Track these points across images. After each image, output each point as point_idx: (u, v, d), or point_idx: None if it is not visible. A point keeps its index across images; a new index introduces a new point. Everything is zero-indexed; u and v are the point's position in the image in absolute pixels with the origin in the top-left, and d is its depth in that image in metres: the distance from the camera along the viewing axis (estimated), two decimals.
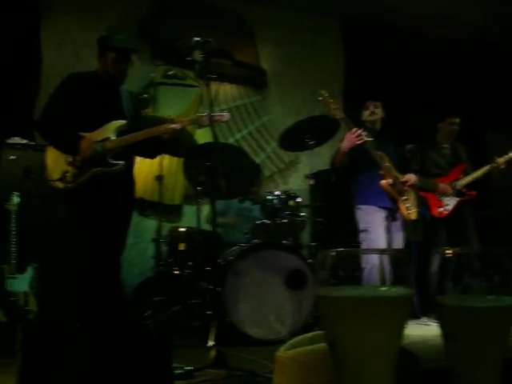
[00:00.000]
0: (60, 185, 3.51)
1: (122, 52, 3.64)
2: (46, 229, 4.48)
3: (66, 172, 3.51)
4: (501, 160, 5.10)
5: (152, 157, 4.19)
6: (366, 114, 4.81)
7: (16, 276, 4.15)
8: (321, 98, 4.49)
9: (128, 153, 3.73)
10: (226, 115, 3.90)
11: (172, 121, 3.68)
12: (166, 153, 4.33)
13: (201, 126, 3.85)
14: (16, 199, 4.29)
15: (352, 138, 4.40)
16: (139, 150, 3.82)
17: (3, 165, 4.63)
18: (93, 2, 5.81)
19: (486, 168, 5.14)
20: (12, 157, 4.63)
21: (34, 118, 5.31)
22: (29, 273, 4.20)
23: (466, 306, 0.68)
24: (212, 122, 3.41)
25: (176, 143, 3.84)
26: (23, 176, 4.54)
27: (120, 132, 3.62)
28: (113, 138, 3.58)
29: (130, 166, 3.76)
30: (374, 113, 4.79)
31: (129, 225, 3.80)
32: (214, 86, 3.58)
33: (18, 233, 4.21)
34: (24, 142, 4.80)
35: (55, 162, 3.57)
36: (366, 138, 4.47)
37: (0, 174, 4.63)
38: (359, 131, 4.40)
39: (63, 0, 5.74)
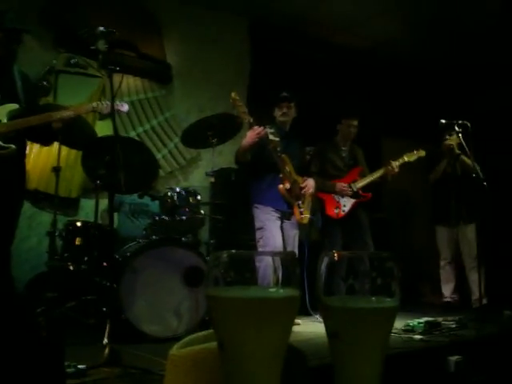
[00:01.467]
0: None
1: (11, 32, 3.49)
2: None
3: None
4: (395, 164, 5.35)
5: (45, 144, 4.06)
6: (278, 114, 4.87)
7: None
8: (231, 101, 4.52)
9: (20, 138, 3.59)
10: (125, 105, 3.85)
11: (66, 108, 3.58)
12: (62, 143, 4.19)
13: (100, 116, 3.78)
14: None
15: (252, 135, 4.45)
16: (32, 136, 3.69)
17: None
18: None
19: (381, 171, 5.37)
20: None
21: None
22: None
23: (349, 307, 0.72)
24: (112, 112, 3.35)
25: (71, 132, 3.74)
26: None
27: (13, 116, 3.48)
28: (4, 120, 3.44)
29: (21, 152, 3.62)
30: (286, 114, 4.85)
31: (18, 213, 3.65)
32: (117, 77, 3.49)
33: None
34: None
35: None
36: (274, 137, 4.54)
37: None
38: (260, 129, 4.45)
39: None
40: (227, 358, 0.66)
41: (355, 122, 5.45)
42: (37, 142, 4.02)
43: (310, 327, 4.22)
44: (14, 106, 3.52)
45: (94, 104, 3.77)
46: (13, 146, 3.50)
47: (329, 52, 7.42)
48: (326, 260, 0.76)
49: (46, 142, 3.98)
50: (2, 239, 3.51)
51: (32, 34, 3.98)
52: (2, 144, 3.44)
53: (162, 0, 6.36)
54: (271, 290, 0.67)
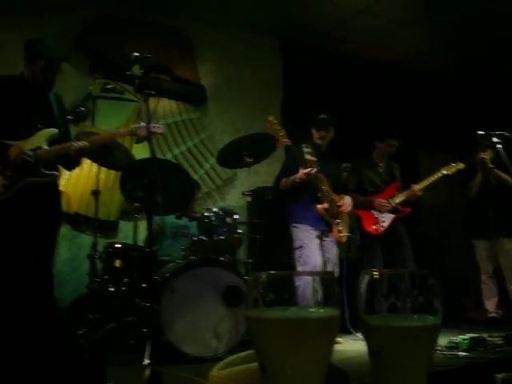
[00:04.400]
0: None
1: (51, 61, 3.53)
2: None
3: None
4: (417, 187, 5.28)
5: (68, 169, 4.10)
6: (315, 136, 4.86)
7: None
8: (268, 124, 4.54)
9: (55, 163, 3.66)
10: (161, 127, 3.90)
11: (86, 139, 3.61)
12: (101, 165, 4.26)
13: (137, 139, 3.82)
14: None
15: (303, 174, 4.46)
16: (65, 162, 3.76)
17: None
18: (31, 12, 5.68)
19: (404, 195, 5.30)
20: None
21: None
22: None
23: (391, 326, 0.71)
24: (148, 135, 3.39)
25: (110, 155, 3.79)
26: None
27: (52, 141, 3.53)
28: (45, 146, 3.49)
29: (56, 176, 3.69)
30: (324, 138, 4.84)
31: (56, 237, 3.70)
32: (152, 101, 3.55)
33: None
34: None
35: None
36: (310, 157, 4.53)
37: None
38: (313, 170, 4.45)
39: (1, 10, 5.59)
40: (269, 380, 0.66)
41: (396, 143, 5.42)
42: (62, 166, 4.08)
43: (351, 345, 4.16)
44: (53, 130, 3.57)
45: (136, 126, 3.79)
46: (56, 173, 3.58)
47: (361, 68, 7.40)
48: (366, 278, 0.75)
49: (70, 167, 4.02)
50: (46, 262, 3.57)
51: (69, 61, 4.05)
52: (45, 171, 3.51)
53: (194, 22, 6.45)
54: (311, 310, 0.67)
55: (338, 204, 4.66)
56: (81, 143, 3.55)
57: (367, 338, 0.74)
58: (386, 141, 5.41)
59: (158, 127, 3.88)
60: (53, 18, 5.76)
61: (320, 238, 4.64)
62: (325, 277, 0.69)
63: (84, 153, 3.67)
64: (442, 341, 3.95)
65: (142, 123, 3.70)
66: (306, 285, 0.71)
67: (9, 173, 3.38)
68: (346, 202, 4.72)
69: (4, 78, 3.61)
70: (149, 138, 3.40)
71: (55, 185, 3.66)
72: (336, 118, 4.92)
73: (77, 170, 5.12)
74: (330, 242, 4.68)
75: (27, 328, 3.30)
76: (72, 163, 3.80)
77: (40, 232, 3.50)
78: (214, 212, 4.45)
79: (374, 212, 5.23)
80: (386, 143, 5.41)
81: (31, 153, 3.41)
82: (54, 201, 3.70)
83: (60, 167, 3.80)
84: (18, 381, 2.19)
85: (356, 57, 7.25)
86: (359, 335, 4.57)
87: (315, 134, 4.84)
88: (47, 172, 3.50)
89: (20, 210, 3.41)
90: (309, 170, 4.44)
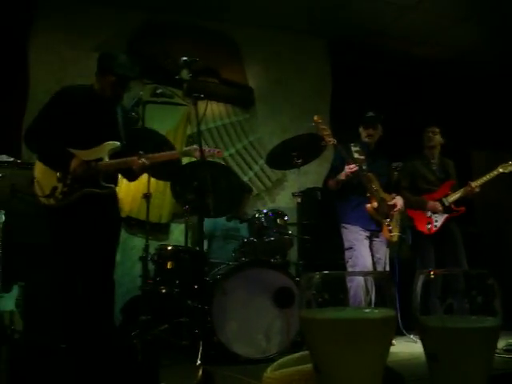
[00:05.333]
0: (49, 201, 3.45)
1: (121, 78, 3.57)
2: (32, 247, 4.45)
3: (56, 188, 3.45)
4: (474, 184, 5.14)
5: (130, 180, 4.18)
6: (363, 135, 4.81)
7: (2, 295, 4.11)
8: (313, 124, 4.51)
9: (119, 172, 3.73)
10: (221, 152, 3.92)
11: (146, 157, 3.66)
12: (152, 176, 4.33)
13: (187, 142, 3.84)
14: (2, 217, 4.26)
15: (348, 172, 4.43)
16: (124, 172, 3.83)
17: None
18: (81, 20, 5.83)
19: (461, 192, 5.17)
20: None
21: (22, 134, 5.32)
22: (15, 291, 4.16)
23: (448, 327, 0.69)
24: (199, 138, 3.42)
25: (159, 167, 3.84)
26: (10, 194, 4.51)
27: (114, 154, 3.59)
28: (106, 159, 3.54)
29: (115, 184, 3.76)
30: (372, 136, 4.79)
31: (117, 243, 3.77)
32: (201, 104, 3.58)
33: (3, 251, 4.17)
34: (11, 159, 4.77)
35: (44, 178, 3.50)
36: (359, 155, 4.49)
37: None
38: (355, 168, 4.41)
39: (52, 18, 5.75)
40: (324, 382, 0.65)
41: (435, 129, 5.30)
42: (124, 177, 4.16)
43: (405, 347, 4.10)
44: (116, 144, 3.61)
45: (194, 147, 3.81)
46: (113, 187, 3.66)
47: (410, 65, 7.29)
48: (421, 278, 0.74)
49: (132, 179, 4.10)
50: (110, 269, 3.65)
51: (138, 78, 4.10)
52: (104, 183, 3.57)
53: (240, 25, 6.47)
54: (366, 310, 0.66)
55: (390, 203, 4.60)
56: (142, 161, 3.60)
57: (423, 340, 0.72)
58: (426, 131, 5.31)
59: (218, 151, 3.93)
60: (104, 26, 5.90)
61: (370, 238, 4.58)
62: (379, 277, 0.68)
63: (145, 170, 3.73)
64: (500, 343, 3.85)
65: (206, 147, 3.77)
66: (358, 285, 0.70)
67: (68, 181, 3.45)
68: (398, 202, 4.65)
69: (74, 88, 3.69)
70: (199, 141, 3.42)
71: (114, 194, 3.73)
72: (383, 116, 4.85)
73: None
74: (379, 242, 4.62)
75: (89, 329, 3.38)
76: (133, 176, 3.86)
77: (98, 239, 3.56)
78: (264, 213, 4.47)
79: (426, 211, 5.14)
80: (426, 133, 5.31)
81: (93, 164, 3.48)
82: (113, 210, 3.77)
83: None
84: (72, 382, 2.24)
85: (404, 54, 7.13)
86: (412, 337, 4.51)
87: (363, 133, 4.79)
88: (106, 184, 3.56)
89: (79, 217, 3.47)
90: (352, 167, 4.40)
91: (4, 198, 4.49)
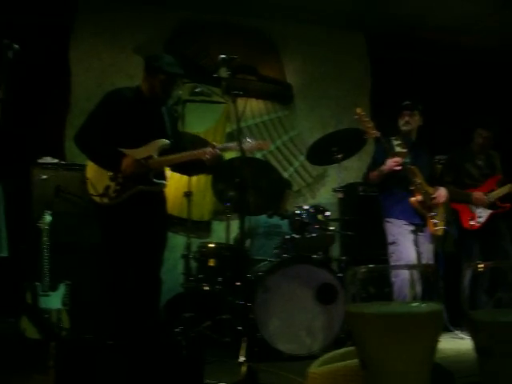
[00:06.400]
0: (103, 200, 3.53)
1: (171, 76, 3.65)
2: (77, 246, 4.54)
3: (108, 187, 3.53)
4: None
5: (190, 175, 4.23)
6: (400, 123, 4.71)
7: (49, 293, 4.21)
8: (356, 117, 4.45)
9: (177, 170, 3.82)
10: (268, 143, 3.91)
11: (214, 146, 3.69)
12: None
13: (227, 139, 3.84)
14: (48, 218, 4.36)
15: (392, 164, 4.36)
16: (180, 168, 3.87)
17: (35, 184, 4.71)
18: (119, 22, 5.91)
19: (508, 186, 5.03)
20: (43, 176, 4.70)
21: (65, 137, 5.43)
22: (61, 290, 4.25)
23: (500, 321, 0.67)
24: (238, 133, 3.44)
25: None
26: (55, 195, 4.61)
27: (163, 151, 3.65)
28: (156, 156, 3.60)
29: (165, 184, 3.82)
30: (408, 123, 4.67)
31: (166, 240, 3.82)
32: (240, 101, 3.59)
33: (50, 251, 4.27)
34: (55, 161, 4.88)
35: (96, 177, 3.58)
36: (401, 149, 4.41)
37: (32, 193, 4.71)
38: (399, 160, 4.34)
39: (91, 21, 5.84)
40: (370, 377, 0.64)
41: (486, 134, 5.14)
42: (183, 173, 4.20)
43: (451, 344, 4.04)
44: (165, 141, 3.67)
45: (246, 141, 3.82)
46: (164, 182, 3.72)
47: (452, 56, 7.13)
48: (469, 272, 0.72)
49: (191, 174, 4.13)
50: (158, 266, 3.71)
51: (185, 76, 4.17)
52: (156, 180, 3.64)
53: (277, 21, 6.45)
54: (413, 304, 0.65)
55: (433, 196, 4.52)
56: (216, 151, 3.64)
57: (473, 334, 0.70)
58: (477, 131, 5.16)
59: (264, 144, 3.93)
60: (141, 27, 5.96)
61: (415, 232, 4.51)
62: (426, 270, 0.67)
63: (218, 160, 3.75)
64: None
65: (248, 139, 3.76)
66: (403, 280, 0.69)
67: (121, 179, 3.53)
68: (441, 193, 4.55)
69: (122, 90, 3.79)
70: (239, 138, 3.43)
71: (162, 192, 3.79)
72: (422, 106, 4.75)
73: (168, 173, 5.28)
74: (423, 236, 4.53)
75: (135, 326, 3.43)
76: (197, 169, 3.91)
77: (149, 236, 3.62)
78: (306, 210, 4.44)
79: (470, 207, 5.03)
80: (477, 134, 5.17)
81: (143, 162, 3.54)
82: (163, 208, 3.84)
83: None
84: (118, 378, 2.28)
85: (446, 44, 6.98)
86: (458, 333, 4.43)
87: (400, 121, 4.69)
88: (157, 181, 3.63)
89: (131, 215, 3.54)
90: (396, 160, 4.33)
91: (49, 199, 4.60)
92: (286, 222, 4.75)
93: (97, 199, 3.54)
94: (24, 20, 5.39)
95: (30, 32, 5.25)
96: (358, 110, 4.42)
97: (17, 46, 2.65)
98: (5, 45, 2.62)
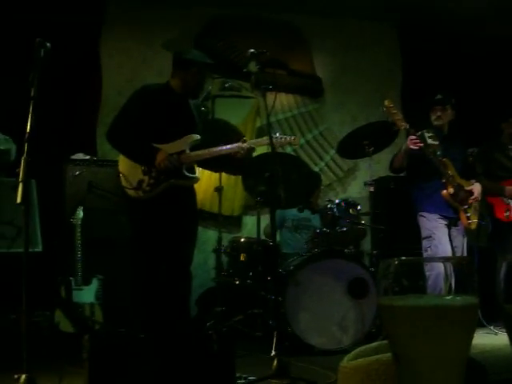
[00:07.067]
0: (138, 193, 3.58)
1: (203, 66, 3.71)
2: (109, 241, 4.59)
3: (142, 181, 3.58)
4: None
5: (216, 171, 4.25)
6: (432, 118, 4.66)
7: (82, 288, 4.27)
8: (384, 109, 4.41)
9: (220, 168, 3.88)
10: (298, 139, 3.92)
11: (244, 141, 3.71)
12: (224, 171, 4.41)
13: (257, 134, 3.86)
14: (81, 213, 4.42)
15: (411, 142, 4.30)
16: (208, 164, 3.94)
17: (68, 180, 4.77)
18: (148, 19, 5.94)
19: None
20: (76, 173, 4.76)
21: (97, 133, 5.50)
22: (94, 284, 4.31)
23: None
24: (268, 130, 3.44)
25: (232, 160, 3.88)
26: (87, 191, 4.67)
27: (194, 146, 3.69)
28: (188, 151, 3.64)
29: (198, 178, 3.86)
30: (440, 117, 4.62)
31: (196, 236, 3.85)
32: (270, 96, 3.57)
33: (83, 246, 4.33)
34: (87, 157, 4.94)
35: (130, 172, 3.64)
36: (433, 141, 4.35)
37: (65, 189, 4.77)
38: (415, 139, 4.28)
39: (121, 18, 5.89)
40: (404, 371, 0.63)
41: None
42: (211, 170, 4.24)
43: (485, 339, 3.98)
44: (197, 136, 3.71)
45: (275, 137, 3.82)
46: (197, 176, 3.77)
47: (482, 46, 6.99)
48: (504, 266, 0.71)
49: (221, 170, 4.16)
50: (189, 260, 3.75)
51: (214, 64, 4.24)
52: (188, 174, 3.68)
53: (306, 15, 6.42)
54: (447, 297, 0.64)
55: (467, 189, 4.45)
56: (248, 145, 3.67)
57: (509, 329, 0.69)
58: (509, 122, 5.07)
59: (293, 138, 3.93)
60: (170, 24, 5.99)
61: (449, 226, 4.45)
62: (461, 263, 0.66)
63: (251, 153, 3.80)
64: None
65: (278, 134, 3.80)
66: (438, 274, 0.68)
67: (154, 173, 3.58)
68: (476, 188, 4.49)
69: (153, 86, 3.84)
70: (269, 132, 3.44)
71: (192, 187, 3.84)
72: (454, 100, 4.68)
73: (198, 168, 5.31)
74: (456, 230, 4.48)
75: (167, 319, 3.47)
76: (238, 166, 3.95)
77: (180, 231, 3.67)
78: (337, 204, 4.42)
79: (504, 199, 4.95)
80: (508, 125, 5.08)
81: (176, 156, 3.58)
82: (193, 202, 3.88)
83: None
84: (151, 371, 2.30)
85: (477, 35, 6.86)
86: (493, 328, 4.36)
87: (432, 116, 4.64)
88: (190, 175, 3.68)
89: (164, 209, 3.59)
90: (413, 138, 4.26)
91: (81, 194, 4.66)
92: (316, 216, 4.74)
93: (131, 192, 3.60)
94: (55, 19, 5.46)
95: (62, 30, 5.33)
96: (386, 102, 4.37)
97: (48, 45, 2.68)
98: (37, 43, 2.65)
